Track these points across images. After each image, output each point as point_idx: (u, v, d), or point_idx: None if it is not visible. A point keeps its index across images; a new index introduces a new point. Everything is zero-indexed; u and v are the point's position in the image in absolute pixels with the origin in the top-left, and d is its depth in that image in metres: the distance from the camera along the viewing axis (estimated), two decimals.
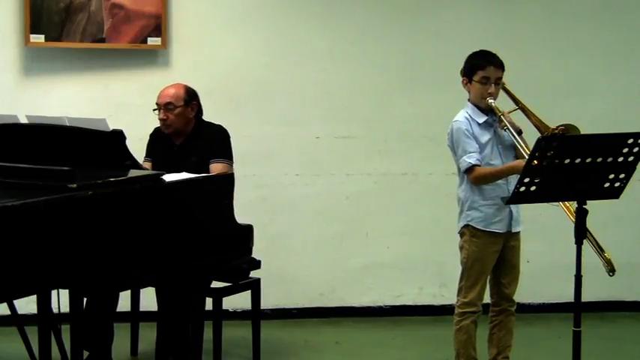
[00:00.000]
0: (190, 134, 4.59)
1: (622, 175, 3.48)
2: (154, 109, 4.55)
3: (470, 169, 4.00)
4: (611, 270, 3.76)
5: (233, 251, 4.00)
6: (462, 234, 4.15)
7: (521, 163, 3.86)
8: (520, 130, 4.00)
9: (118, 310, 4.50)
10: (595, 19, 5.61)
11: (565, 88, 5.55)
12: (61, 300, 3.47)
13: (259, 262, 4.61)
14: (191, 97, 4.58)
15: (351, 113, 5.54)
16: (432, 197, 5.52)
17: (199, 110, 4.63)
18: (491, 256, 4.09)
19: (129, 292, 4.69)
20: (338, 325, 5.50)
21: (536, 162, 3.36)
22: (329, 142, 5.53)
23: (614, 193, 3.54)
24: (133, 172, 3.61)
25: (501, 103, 4.08)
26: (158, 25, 5.25)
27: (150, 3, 5.22)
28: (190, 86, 4.62)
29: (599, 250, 3.80)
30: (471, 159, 3.99)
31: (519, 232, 4.14)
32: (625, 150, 3.39)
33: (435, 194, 5.48)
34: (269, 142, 5.48)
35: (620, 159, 3.41)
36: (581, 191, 3.46)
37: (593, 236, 3.76)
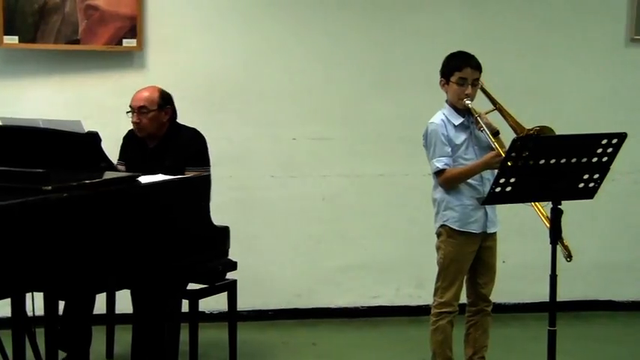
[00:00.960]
0: (164, 138, 4.56)
1: (596, 176, 3.50)
2: (128, 112, 4.53)
3: (439, 172, 4.03)
4: (568, 256, 3.76)
5: (209, 253, 3.99)
6: (438, 234, 4.16)
7: (487, 157, 3.89)
8: (497, 130, 4.01)
9: (94, 312, 4.48)
10: (568, 22, 5.64)
11: (539, 90, 5.58)
12: (35, 303, 3.44)
13: (235, 263, 4.60)
14: (165, 100, 4.55)
15: (327, 114, 5.54)
16: (409, 198, 5.54)
17: (173, 114, 4.60)
18: (468, 257, 4.11)
19: (104, 294, 4.66)
20: (315, 326, 5.50)
21: (511, 162, 3.37)
22: (305, 144, 5.52)
23: (589, 194, 3.56)
24: (109, 174, 3.60)
25: (479, 103, 4.09)
26: (133, 27, 5.22)
27: (125, 4, 5.19)
28: (165, 89, 4.59)
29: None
30: (439, 163, 4.01)
31: (495, 232, 4.17)
32: (599, 150, 3.41)
33: (412, 195, 5.49)
34: (245, 143, 5.46)
35: (595, 159, 3.44)
36: (556, 191, 3.48)
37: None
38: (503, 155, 3.67)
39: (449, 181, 4.03)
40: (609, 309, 5.81)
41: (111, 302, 4.74)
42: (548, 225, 3.58)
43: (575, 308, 5.64)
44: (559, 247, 3.60)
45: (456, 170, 4.02)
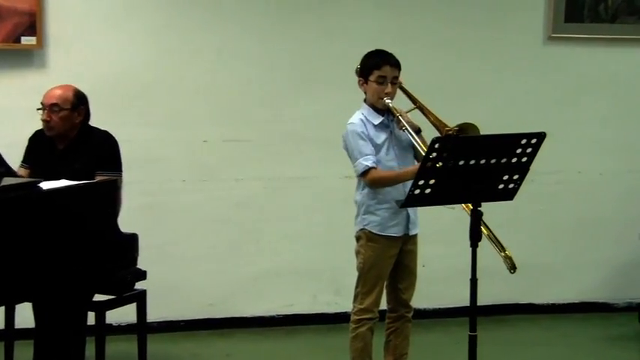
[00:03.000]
0: (74, 139, 4.48)
1: (516, 176, 3.56)
2: (38, 109, 4.43)
3: (366, 172, 4.03)
4: (511, 267, 3.84)
5: (116, 262, 3.95)
6: (358, 238, 4.18)
7: (416, 167, 3.90)
8: (419, 128, 4.05)
9: None
10: (484, 21, 5.72)
11: (456, 90, 5.65)
12: None
13: (145, 272, 4.54)
14: (80, 101, 4.47)
15: (240, 115, 5.52)
16: (326, 201, 5.55)
17: (87, 116, 4.52)
18: (388, 261, 4.13)
19: (2, 308, 4.54)
20: (229, 336, 5.47)
21: (430, 164, 3.40)
22: (217, 146, 5.49)
23: (509, 195, 3.62)
24: (7, 180, 3.51)
25: (398, 103, 4.13)
26: (32, 23, 5.11)
27: None
28: (80, 90, 4.51)
29: (501, 248, 3.86)
30: (367, 161, 4.01)
31: (416, 235, 4.20)
32: (518, 151, 3.47)
33: (329, 198, 5.51)
34: (154, 146, 5.40)
35: (514, 160, 3.49)
36: (476, 193, 3.53)
37: (493, 234, 3.83)
38: None
39: (376, 182, 4.04)
40: (530, 312, 5.93)
41: (10, 316, 4.62)
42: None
43: (496, 312, 5.74)
44: (502, 258, 3.65)
45: (384, 173, 4.03)
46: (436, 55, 5.67)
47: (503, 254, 3.86)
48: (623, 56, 5.93)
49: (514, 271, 3.84)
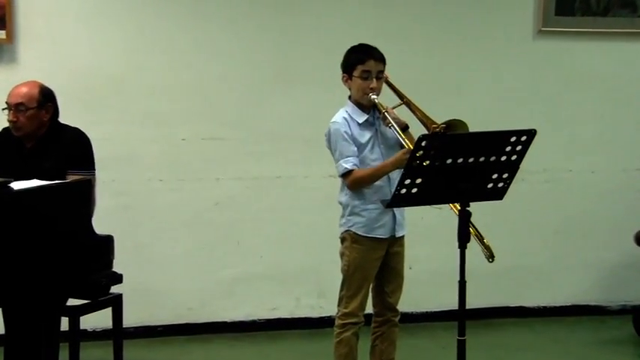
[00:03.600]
0: (44, 137, 4.45)
1: (505, 175, 3.56)
2: (4, 109, 4.40)
3: (346, 174, 4.03)
4: (490, 256, 3.83)
5: (91, 265, 3.92)
6: (342, 240, 4.18)
7: (398, 155, 3.91)
8: (406, 125, 4.04)
9: None
10: (472, 15, 5.75)
11: (444, 86, 5.67)
12: None
13: (121, 275, 4.50)
14: (46, 98, 4.44)
15: (219, 112, 5.51)
16: (309, 202, 5.55)
17: (55, 112, 4.50)
18: (374, 263, 4.13)
19: None
20: (208, 342, 5.46)
21: (417, 162, 3.40)
22: (196, 144, 5.48)
23: (498, 194, 3.62)
24: None
25: (384, 99, 4.12)
26: (2, 17, 5.09)
27: None
28: (46, 85, 4.48)
29: (479, 236, 3.85)
30: (347, 163, 4.02)
31: (403, 236, 4.20)
32: (508, 148, 3.47)
33: (312, 198, 5.51)
34: (130, 144, 5.39)
35: (503, 158, 3.50)
36: (464, 192, 3.53)
37: (473, 224, 3.79)
38: None
39: (357, 183, 4.04)
40: (520, 316, 5.95)
41: None
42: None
43: (485, 316, 5.76)
44: (480, 249, 3.65)
45: (364, 171, 4.03)
46: (422, 50, 5.68)
47: (482, 243, 3.82)
48: (616, 51, 5.95)
49: (492, 260, 3.83)
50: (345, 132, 4.05)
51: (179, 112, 5.46)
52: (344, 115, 4.10)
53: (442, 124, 3.91)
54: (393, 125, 3.99)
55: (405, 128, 4.03)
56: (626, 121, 5.99)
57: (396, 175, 3.97)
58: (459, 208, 3.59)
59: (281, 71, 5.55)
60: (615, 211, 6.00)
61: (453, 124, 3.91)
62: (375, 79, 4.06)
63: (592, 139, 5.95)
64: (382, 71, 4.10)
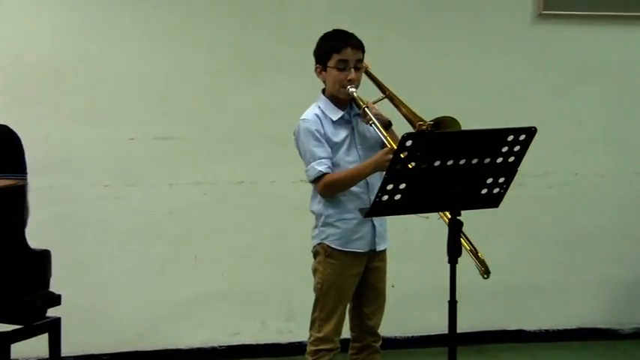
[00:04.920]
0: None
1: (501, 179, 3.57)
2: None
3: (319, 178, 4.02)
4: (485, 272, 3.84)
5: (24, 284, 3.90)
6: (315, 254, 4.18)
7: (378, 155, 3.91)
8: (389, 122, 4.04)
9: None
10: None
11: (432, 76, 5.70)
12: None
13: (59, 296, 4.49)
14: None
15: (172, 108, 5.50)
16: (276, 211, 5.56)
17: None
18: (351, 281, 4.13)
19: None
20: None
21: (400, 165, 3.41)
22: (146, 145, 5.47)
23: (493, 201, 3.63)
24: None
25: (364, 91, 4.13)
26: None
27: None
28: None
29: (473, 250, 3.86)
30: (321, 166, 4.01)
31: (385, 250, 4.21)
32: (504, 149, 3.48)
33: (280, 207, 5.52)
34: (69, 145, 5.37)
35: (499, 160, 3.51)
36: (455, 199, 3.54)
37: (465, 235, 3.80)
38: None
39: (330, 188, 4.04)
40: (519, 340, 5.97)
41: None
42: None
43: (479, 340, 5.78)
44: (474, 263, 3.66)
45: (338, 174, 4.03)
46: (407, 36, 5.70)
47: (476, 257, 3.83)
48: (627, 36, 5.99)
49: (487, 277, 3.85)
50: (317, 130, 4.04)
51: (126, 108, 5.45)
52: (316, 112, 4.09)
53: (430, 121, 3.92)
54: (374, 122, 3.99)
55: (387, 126, 4.03)
56: (639, 118, 6.03)
57: (376, 180, 3.98)
58: (449, 217, 3.60)
59: (243, 61, 5.56)
60: (627, 221, 6.04)
61: (443, 122, 3.92)
62: (353, 70, 4.06)
63: (600, 138, 5.99)
64: (361, 60, 4.10)
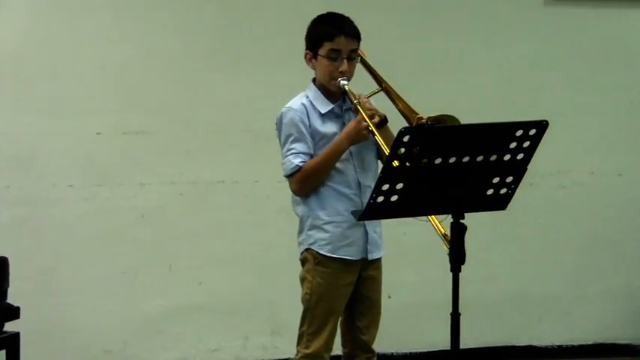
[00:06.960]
0: None
1: (509, 179, 3.58)
2: None
3: (295, 173, 4.00)
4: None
5: None
6: (303, 262, 4.17)
7: (348, 128, 3.91)
8: (385, 118, 4.03)
9: None
10: None
11: (434, 65, 5.71)
12: None
13: (18, 309, 4.50)
14: None
15: (144, 99, 5.51)
16: (259, 213, 5.57)
17: None
18: (343, 291, 4.13)
19: None
20: None
21: (398, 162, 3.41)
22: (115, 140, 5.48)
23: (500, 203, 3.64)
24: None
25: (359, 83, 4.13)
26: None
27: None
28: None
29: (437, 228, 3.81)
30: (297, 159, 3.99)
31: (380, 259, 4.20)
32: (513, 145, 3.49)
33: (263, 208, 5.52)
34: (29, 141, 5.37)
35: (507, 157, 3.51)
36: (458, 201, 3.54)
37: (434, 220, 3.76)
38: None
39: (305, 182, 4.01)
40: (530, 356, 5.98)
41: None
42: (446, 247, 3.63)
43: (484, 357, 5.79)
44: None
45: (309, 164, 3.99)
46: (408, 22, 5.72)
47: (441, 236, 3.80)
48: None
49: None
50: (301, 121, 4.03)
51: (92, 99, 5.45)
52: (303, 101, 4.08)
53: (429, 118, 3.91)
54: (367, 120, 3.96)
55: (383, 122, 4.00)
56: None
57: (369, 182, 3.99)
58: (452, 220, 3.60)
59: (223, 48, 5.56)
60: None
61: (443, 121, 3.91)
62: (345, 61, 4.04)
63: (619, 133, 6.00)
64: (355, 50, 4.09)
